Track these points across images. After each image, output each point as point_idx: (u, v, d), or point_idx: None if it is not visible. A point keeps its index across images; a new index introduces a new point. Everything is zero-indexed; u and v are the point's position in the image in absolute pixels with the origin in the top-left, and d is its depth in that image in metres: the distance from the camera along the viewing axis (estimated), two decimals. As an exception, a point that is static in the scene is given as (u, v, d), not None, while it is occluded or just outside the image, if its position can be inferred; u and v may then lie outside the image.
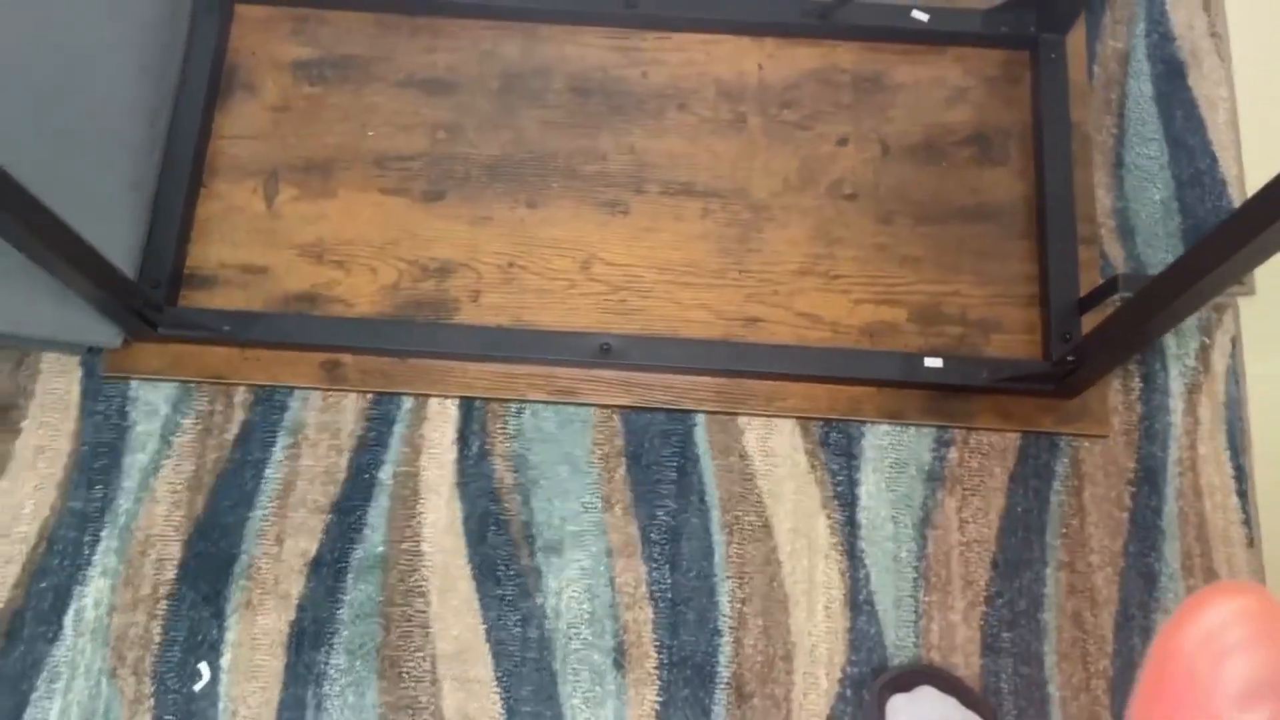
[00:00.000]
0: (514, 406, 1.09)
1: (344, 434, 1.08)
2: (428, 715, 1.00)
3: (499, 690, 1.00)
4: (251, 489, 1.06)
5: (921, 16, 1.18)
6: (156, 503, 1.06)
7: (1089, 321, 1.07)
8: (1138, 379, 1.10)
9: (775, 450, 1.08)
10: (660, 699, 1.00)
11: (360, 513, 1.05)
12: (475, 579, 1.04)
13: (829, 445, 1.08)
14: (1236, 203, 1.16)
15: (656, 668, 1.01)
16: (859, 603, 1.03)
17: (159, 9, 1.14)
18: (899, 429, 1.08)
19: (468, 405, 1.09)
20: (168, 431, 1.08)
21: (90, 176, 1.07)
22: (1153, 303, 0.89)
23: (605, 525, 1.05)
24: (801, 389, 1.09)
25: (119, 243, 1.06)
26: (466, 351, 1.08)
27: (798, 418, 1.09)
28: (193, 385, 1.09)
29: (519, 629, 1.02)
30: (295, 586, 1.03)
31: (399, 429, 1.08)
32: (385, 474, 1.07)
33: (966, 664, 1.02)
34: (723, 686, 1.01)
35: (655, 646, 1.02)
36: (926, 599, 1.03)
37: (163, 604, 1.03)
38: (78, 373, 1.09)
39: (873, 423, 1.09)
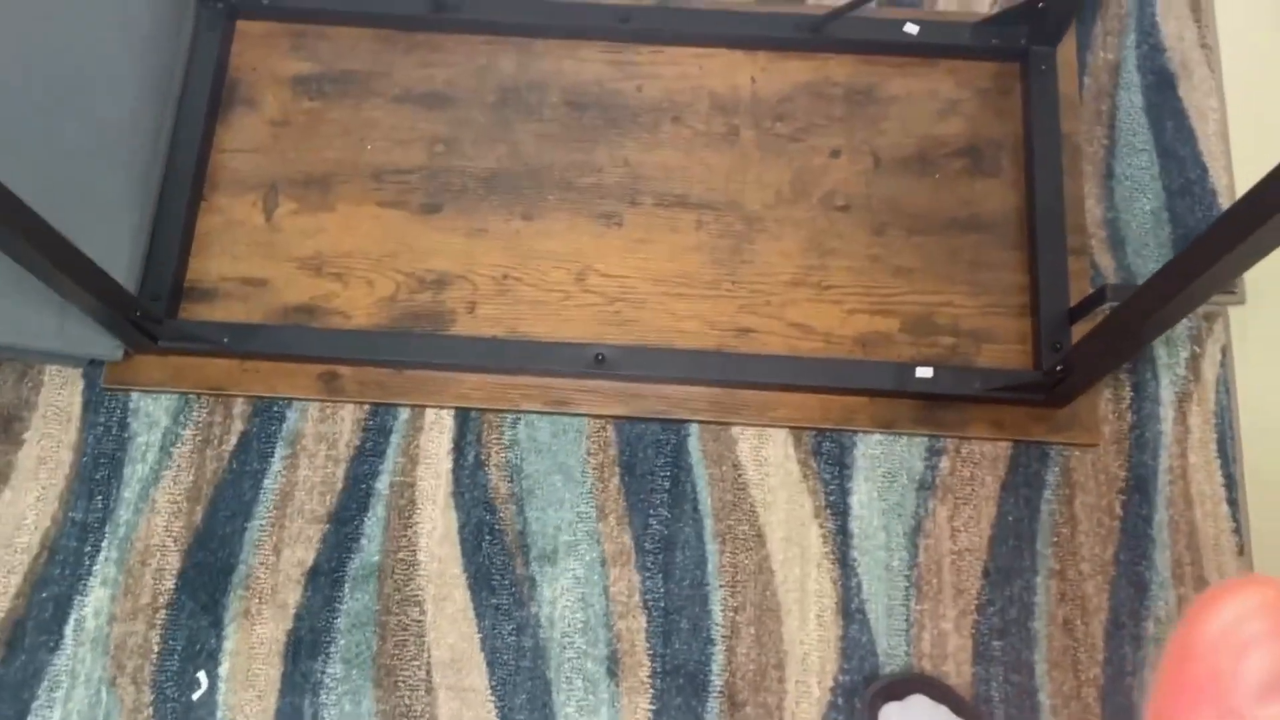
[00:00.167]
0: (509, 417, 1.10)
1: (341, 444, 1.09)
2: (423, 723, 1.01)
3: (493, 699, 1.01)
4: (250, 499, 1.07)
5: (912, 29, 1.19)
6: (156, 513, 1.07)
7: (1080, 331, 1.07)
8: (1129, 388, 1.11)
9: (768, 459, 1.09)
10: (653, 707, 1.01)
11: (357, 522, 1.07)
12: (470, 588, 1.05)
13: (822, 455, 1.09)
14: (1227, 213, 1.17)
15: (650, 676, 1.02)
16: (851, 611, 1.04)
17: (161, 25, 1.16)
18: (891, 438, 1.09)
19: (464, 416, 1.10)
20: (168, 442, 1.09)
21: (92, 191, 1.09)
22: (1140, 311, 0.89)
23: (599, 534, 1.06)
24: (794, 399, 1.10)
25: (120, 257, 1.07)
26: (462, 363, 1.09)
27: (790, 427, 1.10)
28: (192, 397, 1.10)
29: (513, 638, 1.03)
30: (292, 596, 1.04)
31: (395, 439, 1.09)
32: (382, 484, 1.08)
33: (958, 672, 1.02)
34: (715, 695, 1.02)
35: (648, 655, 1.03)
36: (918, 607, 1.04)
37: (162, 613, 1.04)
38: (79, 385, 1.11)
39: (865, 432, 1.09)
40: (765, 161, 1.18)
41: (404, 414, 1.10)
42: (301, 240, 1.15)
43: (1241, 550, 1.06)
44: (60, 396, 1.11)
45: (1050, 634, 1.03)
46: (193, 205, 1.15)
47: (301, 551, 1.06)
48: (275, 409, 1.10)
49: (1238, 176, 1.18)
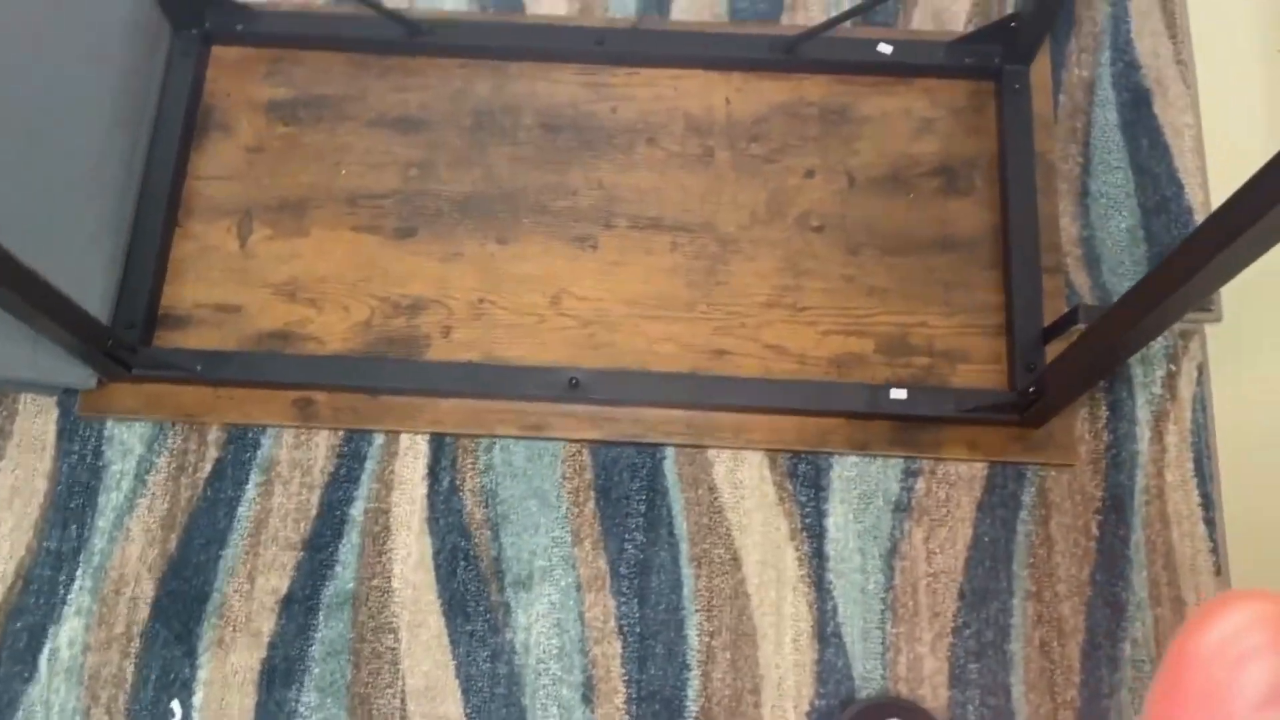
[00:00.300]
0: (484, 442, 1.10)
1: (316, 471, 1.09)
2: (398, 751, 1.01)
3: (468, 726, 1.01)
4: (224, 527, 1.07)
5: (886, 49, 1.19)
6: (131, 541, 1.07)
7: (1055, 351, 1.07)
8: (1105, 407, 1.10)
9: (744, 482, 1.09)
10: (629, 733, 1.01)
11: (331, 549, 1.06)
12: (445, 614, 1.04)
13: (797, 477, 1.09)
14: (1203, 230, 1.17)
15: (625, 702, 1.02)
16: (827, 635, 1.04)
17: (135, 53, 1.16)
18: (867, 460, 1.09)
19: (438, 441, 1.10)
20: (142, 470, 1.09)
21: (65, 220, 1.09)
22: (1112, 332, 0.89)
23: (574, 559, 1.06)
24: (769, 421, 1.10)
25: (94, 285, 1.07)
26: (437, 388, 1.09)
27: (766, 450, 1.09)
28: (167, 424, 1.10)
29: (488, 664, 1.03)
30: (267, 624, 1.04)
31: (370, 465, 1.09)
32: (356, 510, 1.08)
33: (934, 696, 1.02)
34: (691, 720, 1.01)
35: (624, 681, 1.02)
36: (894, 630, 1.04)
37: (136, 643, 1.04)
38: (54, 413, 1.11)
39: (840, 454, 1.09)
40: (740, 182, 1.18)
41: (379, 439, 1.10)
42: (276, 266, 1.15)
43: (1219, 570, 1.05)
44: (35, 425, 1.10)
45: (1027, 656, 1.03)
46: (167, 232, 1.15)
47: (276, 579, 1.06)
48: (250, 436, 1.10)
49: (1213, 193, 1.18)
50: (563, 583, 1.05)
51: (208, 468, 1.09)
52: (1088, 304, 1.01)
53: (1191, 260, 0.75)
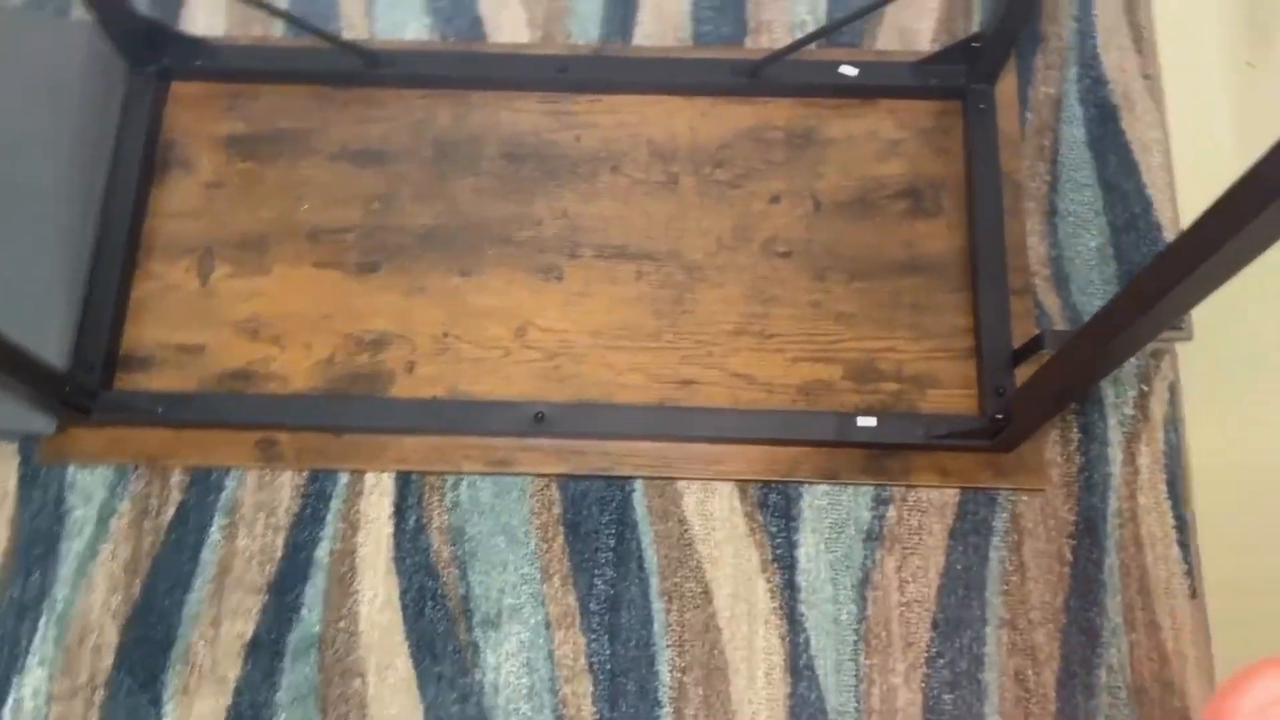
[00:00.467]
0: (450, 479, 1.09)
1: (280, 512, 1.08)
2: (367, 797, 0.99)
3: (438, 769, 1.00)
4: (188, 571, 1.06)
5: (851, 71, 1.18)
6: (94, 589, 1.06)
7: (1025, 374, 1.06)
8: (1076, 429, 1.09)
9: (714, 513, 1.07)
10: (600, 773, 1.00)
11: (297, 592, 1.05)
12: (413, 656, 1.03)
13: (768, 507, 1.08)
14: (1173, 246, 1.16)
15: (596, 741, 1.01)
16: (799, 668, 1.02)
17: (90, 93, 1.15)
18: (837, 489, 1.08)
19: (404, 479, 1.09)
20: (105, 515, 1.08)
21: (21, 265, 1.08)
22: (1079, 357, 0.88)
23: (543, 596, 1.05)
24: (739, 451, 1.08)
25: (51, 328, 1.06)
26: (400, 425, 1.08)
27: (736, 480, 1.08)
28: (129, 468, 1.09)
29: (457, 706, 1.02)
30: (232, 670, 1.03)
31: (335, 505, 1.08)
32: (322, 551, 1.06)
33: (909, 727, 1.01)
34: (663, 758, 1.00)
35: None
36: (867, 662, 1.03)
37: (100, 692, 1.02)
38: (15, 460, 1.10)
39: (811, 483, 1.08)
40: (705, 209, 1.17)
41: (343, 479, 1.09)
42: (237, 304, 1.14)
43: (1194, 594, 1.04)
44: (-4, 471, 1.09)
45: (1002, 685, 1.02)
46: (127, 272, 1.13)
47: (241, 624, 1.04)
48: (213, 478, 1.09)
49: (1182, 209, 1.17)
50: (532, 621, 1.04)
51: (171, 511, 1.08)
52: (1054, 329, 1.00)
53: (1157, 284, 0.73)
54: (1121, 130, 1.21)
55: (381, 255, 1.15)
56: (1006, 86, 1.20)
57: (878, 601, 1.04)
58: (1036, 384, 0.96)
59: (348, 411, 1.09)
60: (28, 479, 1.09)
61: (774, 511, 1.07)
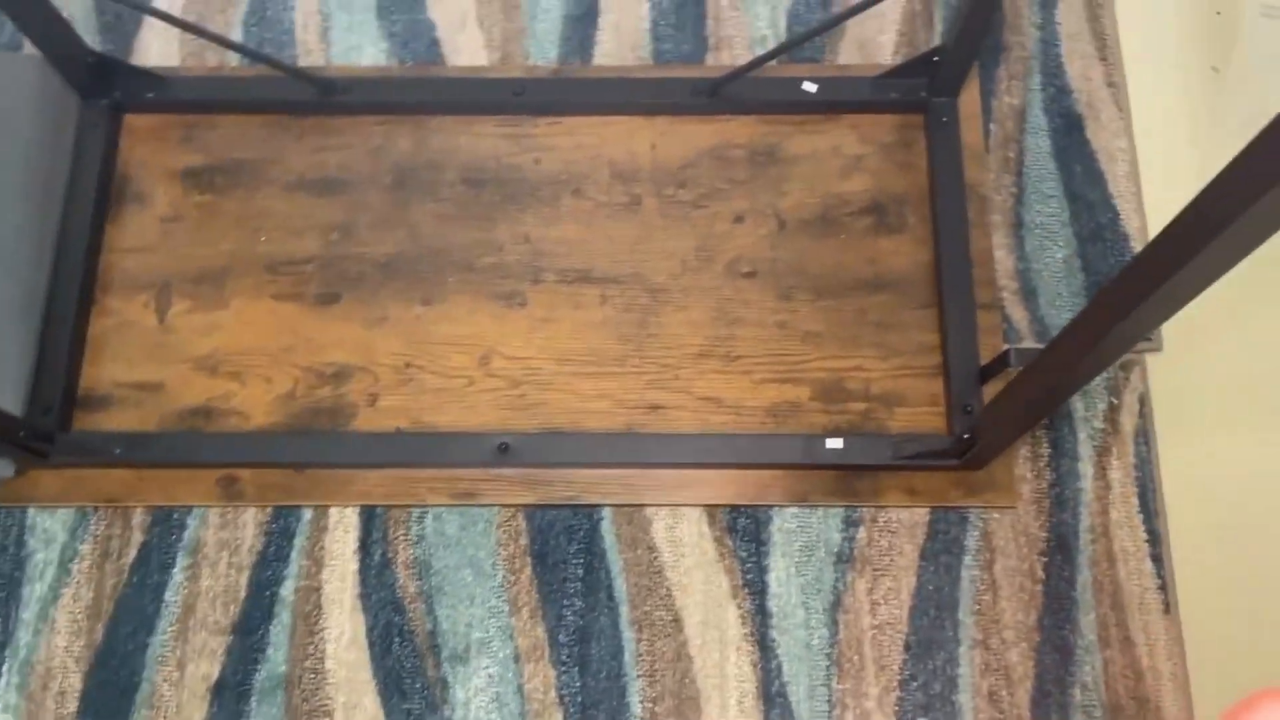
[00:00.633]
0: (415, 511, 1.07)
1: (244, 550, 1.06)
2: (337, 839, 0.98)
3: (408, 809, 0.99)
4: (152, 613, 1.04)
5: (811, 88, 1.17)
6: (57, 633, 1.04)
7: (993, 390, 1.05)
8: (1046, 444, 1.08)
9: (683, 539, 1.06)
10: (572, 808, 0.99)
11: (262, 632, 1.04)
12: (381, 694, 1.02)
13: (737, 531, 1.07)
14: (1140, 256, 1.15)
15: (567, 776, 0.99)
16: (772, 695, 1.01)
17: (41, 127, 1.13)
18: (807, 511, 1.07)
19: (369, 513, 1.07)
20: (66, 558, 1.06)
21: (-27, 306, 1.06)
22: (1046, 374, 0.87)
23: (512, 629, 1.04)
24: (707, 476, 1.07)
25: (7, 372, 1.05)
26: (363, 459, 1.07)
27: (704, 506, 1.07)
28: (90, 509, 1.08)
29: (426, 744, 1.00)
30: (198, 713, 1.01)
31: (299, 542, 1.06)
32: (286, 590, 1.05)
33: (883, 753, 1.00)
34: (636, 791, 0.99)
35: (566, 753, 1.00)
36: (840, 687, 1.02)
37: (63, 739, 1.01)
38: (-27, 503, 1.08)
39: (780, 506, 1.07)
40: (668, 230, 1.16)
41: (307, 515, 1.07)
42: (196, 340, 1.12)
43: (1168, 608, 1.03)
44: (-46, 517, 1.08)
45: (976, 706, 1.01)
46: (83, 310, 1.12)
47: (206, 665, 1.03)
48: (175, 517, 1.07)
49: (1149, 217, 1.17)
50: (501, 654, 1.03)
51: (133, 553, 1.06)
52: (1019, 347, 0.99)
53: (1126, 298, 0.70)
54: (1087, 140, 1.20)
55: (342, 286, 1.14)
56: (969, 98, 1.19)
57: (849, 625, 1.03)
58: (1003, 403, 0.95)
59: (309, 446, 1.07)
60: (-13, 523, 1.07)
61: (744, 536, 1.06)
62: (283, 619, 1.04)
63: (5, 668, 1.03)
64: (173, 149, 1.19)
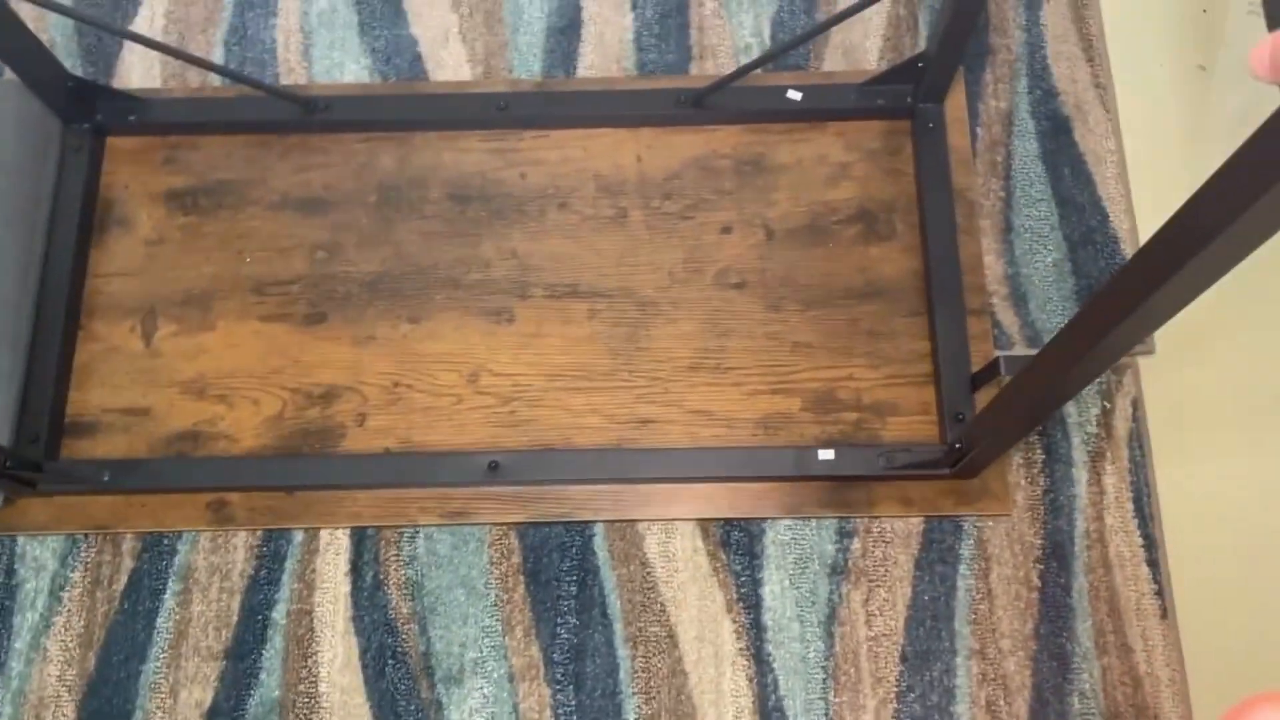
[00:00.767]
0: (406, 532, 1.07)
1: (235, 574, 1.06)
2: None
3: (405, 832, 0.98)
4: (143, 640, 1.04)
5: (796, 96, 1.16)
6: (48, 662, 1.04)
7: (985, 397, 1.04)
8: (1040, 451, 1.08)
9: (676, 554, 1.06)
10: (570, 828, 0.98)
11: (254, 657, 1.03)
12: (375, 717, 1.01)
13: (730, 545, 1.06)
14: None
15: (564, 796, 0.99)
16: (768, 710, 1.01)
17: (23, 152, 1.12)
18: (800, 523, 1.06)
19: (360, 534, 1.07)
20: (57, 587, 1.06)
21: (-43, 335, 1.05)
22: (1037, 382, 0.86)
23: (506, 649, 1.03)
24: (699, 490, 1.07)
25: (-9, 400, 1.04)
26: (353, 480, 1.06)
27: (698, 520, 1.06)
28: (80, 537, 1.07)
29: (422, 766, 1.00)
30: (192, 740, 1.01)
31: (290, 565, 1.06)
32: (279, 613, 1.04)
33: (881, 766, 0.99)
34: (633, 810, 0.98)
35: (562, 773, 0.99)
36: (837, 700, 1.01)
37: (57, 770, 1.00)
38: (-38, 533, 1.08)
39: (774, 519, 1.06)
40: (656, 242, 1.15)
41: (298, 537, 1.07)
42: (183, 363, 1.11)
43: (1164, 613, 1.03)
44: (-57, 547, 1.07)
45: (974, 717, 1.00)
46: (69, 337, 1.11)
47: (199, 692, 1.02)
48: (165, 543, 1.07)
49: (1140, 219, 1.16)
50: (495, 674, 1.02)
51: (124, 579, 1.06)
52: (1010, 355, 0.98)
53: (1110, 308, 0.70)
54: (1075, 142, 1.19)
55: (329, 306, 1.13)
56: (956, 102, 1.18)
57: (845, 637, 1.03)
58: (995, 411, 0.94)
59: (299, 469, 1.07)
60: (-24, 553, 1.07)
61: (737, 550, 1.06)
62: (275, 643, 1.03)
63: (-3, 698, 1.03)
64: (156, 171, 1.19)
